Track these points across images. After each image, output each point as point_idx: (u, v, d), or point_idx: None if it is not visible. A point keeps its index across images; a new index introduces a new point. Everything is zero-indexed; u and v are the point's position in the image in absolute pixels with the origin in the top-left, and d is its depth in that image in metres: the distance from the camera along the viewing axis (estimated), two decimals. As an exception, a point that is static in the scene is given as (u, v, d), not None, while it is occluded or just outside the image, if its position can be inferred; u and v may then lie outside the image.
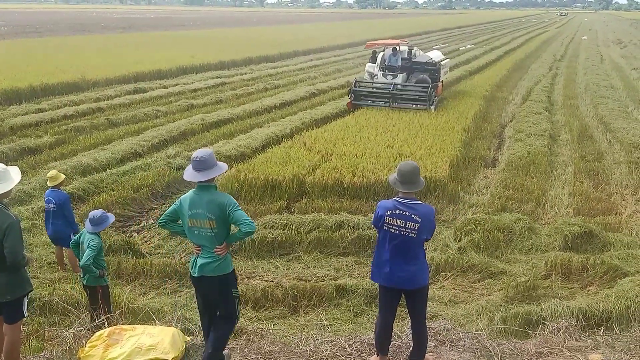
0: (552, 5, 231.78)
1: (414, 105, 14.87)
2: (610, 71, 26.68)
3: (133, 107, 15.88)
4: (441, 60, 17.78)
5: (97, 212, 5.09)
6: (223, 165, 4.10)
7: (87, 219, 5.08)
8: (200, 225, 3.97)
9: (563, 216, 8.12)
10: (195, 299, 4.28)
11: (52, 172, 6.28)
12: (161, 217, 4.20)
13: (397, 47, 17.07)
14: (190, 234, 4.07)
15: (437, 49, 24.29)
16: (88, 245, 5.00)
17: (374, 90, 15.90)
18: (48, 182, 6.23)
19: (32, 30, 46.54)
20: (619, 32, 60.48)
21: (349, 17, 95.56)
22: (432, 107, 14.86)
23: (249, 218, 3.98)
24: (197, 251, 4.06)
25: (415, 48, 18.21)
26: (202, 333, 4.80)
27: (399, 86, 15.49)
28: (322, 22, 75.59)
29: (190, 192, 4.07)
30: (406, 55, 17.20)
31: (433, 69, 16.59)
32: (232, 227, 4.09)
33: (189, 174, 4.01)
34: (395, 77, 16.02)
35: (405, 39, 21.16)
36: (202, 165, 3.95)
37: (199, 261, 4.03)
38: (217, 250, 4.01)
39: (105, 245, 6.76)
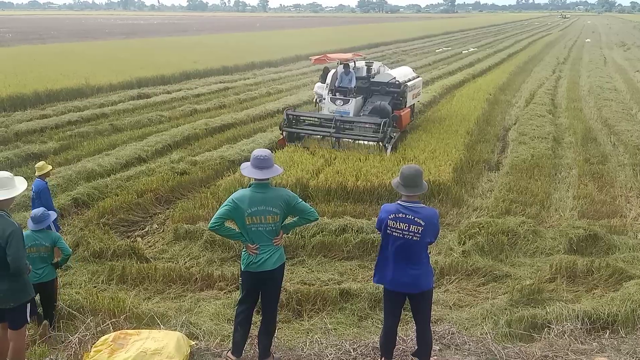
0: (555, 8, 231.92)
1: (365, 143, 11.01)
2: (614, 73, 26.62)
3: (137, 112, 15.94)
4: (409, 80, 13.50)
5: (38, 211, 5.09)
6: (279, 168, 4.30)
7: (29, 219, 5.09)
8: (260, 221, 4.11)
9: (568, 219, 8.10)
10: (242, 293, 4.41)
11: (40, 163, 6.79)
12: (213, 221, 4.18)
13: (353, 63, 13.04)
14: (247, 233, 4.15)
15: (407, 66, 18.54)
16: (53, 240, 5.03)
17: (315, 120, 11.78)
18: (36, 171, 6.71)
19: (36, 36, 46.83)
20: (622, 35, 60.37)
21: (352, 22, 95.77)
22: (388, 148, 10.83)
23: (311, 207, 4.29)
24: (254, 251, 4.16)
25: (377, 64, 13.84)
26: (205, 338, 4.81)
27: (343, 117, 11.52)
28: (324, 26, 75.81)
29: (245, 191, 4.17)
30: (364, 74, 13.12)
31: (396, 91, 12.48)
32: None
33: (250, 171, 4.14)
34: (347, 102, 12.02)
35: (359, 52, 14.66)
36: (264, 163, 4.12)
37: (261, 257, 4.15)
38: (276, 240, 4.19)
39: (110, 250, 6.83)
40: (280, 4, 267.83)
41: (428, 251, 4.10)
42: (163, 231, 7.86)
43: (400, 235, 3.92)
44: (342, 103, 12.08)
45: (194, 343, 4.64)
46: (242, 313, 4.36)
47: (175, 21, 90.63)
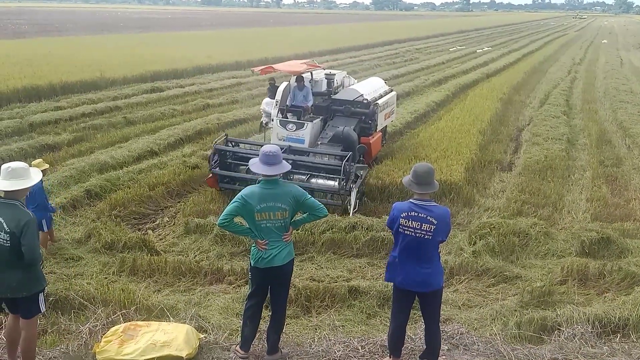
0: (572, 8, 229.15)
1: (323, 183, 8.31)
2: (630, 75, 26.26)
3: (150, 106, 16.03)
4: (380, 96, 10.68)
5: None
6: (287, 164, 4.34)
7: None
8: (269, 217, 4.13)
9: (580, 221, 8.02)
10: (251, 288, 4.44)
11: (36, 161, 6.63)
12: (222, 217, 4.20)
13: (310, 75, 10.37)
14: (256, 229, 4.17)
15: (378, 77, 13.47)
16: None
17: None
18: None
19: (52, 29, 47.25)
20: (640, 36, 59.52)
21: (366, 19, 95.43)
22: (352, 197, 7.99)
23: (321, 204, 4.29)
24: (263, 247, 4.18)
25: (340, 74, 11.03)
26: (214, 331, 4.84)
27: (295, 146, 8.79)
28: (338, 23, 75.61)
29: (254, 188, 4.19)
30: (324, 88, 10.50)
31: (364, 112, 9.72)
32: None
33: (258, 167, 4.16)
34: (301, 127, 9.29)
35: (318, 63, 11.63)
36: (273, 159, 4.14)
37: (271, 253, 4.17)
38: (285, 236, 4.20)
39: (121, 242, 6.88)
40: (295, 0, 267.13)
41: (439, 250, 4.08)
42: (174, 224, 7.91)
43: (412, 233, 3.91)
44: (294, 128, 9.24)
45: (203, 336, 4.68)
46: (251, 308, 4.38)
47: (189, 15, 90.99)
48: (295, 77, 10.00)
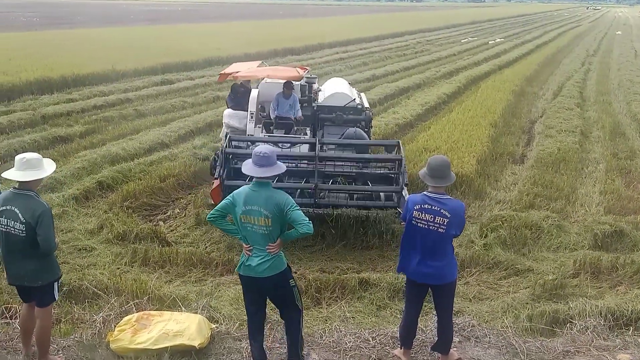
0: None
1: (380, 203, 7.16)
2: (646, 67, 25.85)
3: (160, 98, 16.09)
4: (357, 100, 9.20)
5: None
6: (282, 165, 4.06)
7: None
8: (254, 222, 3.86)
9: (593, 214, 7.94)
10: (245, 302, 4.19)
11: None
12: (211, 212, 4.06)
13: (306, 81, 9.08)
14: (242, 231, 3.95)
15: (340, 78, 11.38)
16: None
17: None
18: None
19: (64, 21, 47.49)
20: (656, 27, 58.52)
21: (376, 10, 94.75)
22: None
23: (307, 218, 3.87)
24: (247, 252, 3.94)
25: (316, 79, 9.75)
26: (225, 321, 4.86)
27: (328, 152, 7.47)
28: (348, 14, 75.16)
29: (245, 188, 3.97)
30: (305, 94, 9.13)
31: (359, 119, 8.65)
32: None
33: (249, 169, 3.95)
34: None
35: (302, 67, 9.90)
36: (264, 161, 3.89)
37: (251, 261, 3.92)
38: (270, 247, 3.88)
39: (133, 233, 6.94)
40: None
41: (453, 243, 4.06)
42: (185, 216, 7.95)
43: (426, 226, 3.89)
44: (288, 145, 7.66)
45: (214, 326, 4.71)
46: (250, 324, 4.16)
47: (198, 7, 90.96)
48: (283, 82, 8.51)
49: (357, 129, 8.23)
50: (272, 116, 8.52)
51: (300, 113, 8.61)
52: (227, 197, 4.04)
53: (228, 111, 9.04)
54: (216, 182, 6.72)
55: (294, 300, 4.08)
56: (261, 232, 3.88)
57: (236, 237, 4.14)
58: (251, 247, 3.93)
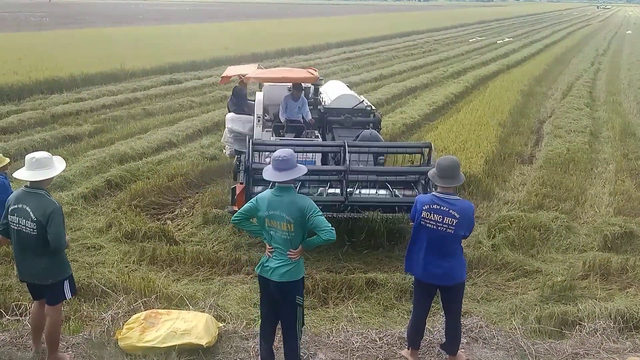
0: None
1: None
2: (656, 67, 25.61)
3: (168, 97, 16.17)
4: (362, 100, 9.02)
5: None
6: (303, 167, 4.00)
7: None
8: (277, 226, 3.86)
9: (603, 215, 7.87)
10: (260, 302, 4.17)
11: None
12: (236, 215, 4.06)
13: (317, 84, 8.95)
14: (266, 234, 3.96)
15: (340, 81, 11.33)
16: None
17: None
18: None
19: (73, 21, 47.80)
20: (666, 26, 57.95)
21: (383, 10, 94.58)
22: None
23: (330, 224, 3.80)
24: (269, 253, 3.95)
25: (322, 81, 9.70)
26: (233, 320, 4.88)
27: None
28: (356, 14, 75.06)
29: (268, 192, 3.97)
30: (310, 96, 9.13)
31: (368, 121, 8.45)
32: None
33: (270, 174, 3.91)
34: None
35: (311, 68, 10.19)
36: (284, 165, 3.86)
37: (270, 263, 3.93)
38: (291, 254, 3.87)
39: (141, 232, 6.97)
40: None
41: (462, 244, 4.04)
42: (192, 215, 7.98)
43: (434, 226, 3.88)
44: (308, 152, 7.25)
45: (222, 325, 4.72)
46: (262, 325, 4.16)
47: (206, 7, 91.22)
48: (292, 84, 8.43)
49: (373, 130, 7.98)
50: (282, 119, 8.37)
51: (310, 115, 8.50)
52: (250, 200, 4.03)
53: (230, 115, 8.91)
54: (240, 187, 6.44)
55: (295, 321, 4.01)
56: (284, 237, 3.87)
57: (260, 237, 4.12)
58: (273, 249, 3.93)
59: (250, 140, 6.66)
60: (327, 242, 3.89)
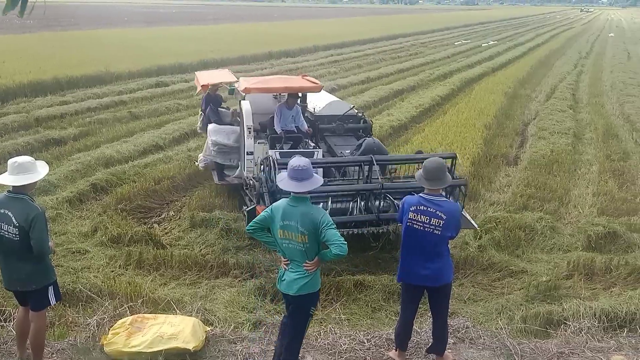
0: (579, 2, 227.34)
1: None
2: (638, 69, 26.01)
3: (155, 100, 16.05)
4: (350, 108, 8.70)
5: None
6: (320, 178, 3.91)
7: None
8: (291, 237, 3.77)
9: (587, 216, 7.99)
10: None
11: None
12: (250, 224, 3.98)
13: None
14: (280, 246, 3.88)
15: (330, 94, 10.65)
16: None
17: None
18: None
19: (57, 23, 47.28)
20: (647, 29, 58.98)
21: (370, 13, 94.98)
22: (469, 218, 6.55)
23: (342, 238, 3.70)
24: (284, 266, 3.89)
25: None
26: (220, 324, 4.86)
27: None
28: (342, 17, 75.30)
29: (283, 201, 3.87)
30: (299, 104, 8.50)
31: (360, 127, 8.35)
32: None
33: (287, 184, 3.80)
34: (310, 158, 6.48)
35: (304, 75, 9.20)
36: (303, 174, 3.76)
37: (287, 276, 3.87)
38: (307, 265, 3.80)
39: (127, 236, 6.91)
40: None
41: (449, 245, 4.07)
42: (179, 218, 7.93)
43: (421, 228, 3.90)
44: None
45: (209, 329, 4.70)
46: (283, 323, 4.18)
47: (194, 10, 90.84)
48: (288, 94, 8.00)
49: (375, 139, 7.60)
50: (278, 130, 7.84)
51: (306, 125, 8.13)
52: (265, 210, 3.97)
53: (212, 126, 8.28)
54: (260, 210, 5.51)
55: (303, 330, 4.00)
56: (299, 249, 3.79)
57: (275, 250, 4.04)
58: (288, 261, 3.86)
59: (275, 161, 6.00)
60: (337, 258, 3.81)
